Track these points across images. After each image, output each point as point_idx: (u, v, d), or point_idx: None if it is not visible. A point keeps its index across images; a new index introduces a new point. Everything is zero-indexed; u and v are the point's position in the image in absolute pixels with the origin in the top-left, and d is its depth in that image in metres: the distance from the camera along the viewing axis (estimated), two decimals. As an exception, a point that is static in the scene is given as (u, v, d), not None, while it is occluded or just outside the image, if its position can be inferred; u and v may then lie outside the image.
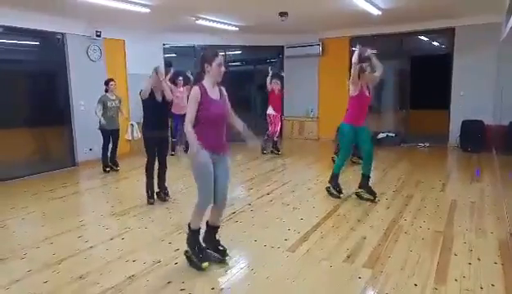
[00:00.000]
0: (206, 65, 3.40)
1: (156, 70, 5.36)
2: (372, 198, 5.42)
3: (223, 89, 3.59)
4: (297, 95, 11.42)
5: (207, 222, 3.70)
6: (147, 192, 5.71)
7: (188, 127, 3.31)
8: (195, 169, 3.44)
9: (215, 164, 3.47)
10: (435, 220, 4.65)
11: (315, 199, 5.72)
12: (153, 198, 5.70)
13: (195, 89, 3.36)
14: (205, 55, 3.47)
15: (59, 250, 4.04)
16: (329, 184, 5.78)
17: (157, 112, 5.52)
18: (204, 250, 3.64)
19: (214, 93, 3.45)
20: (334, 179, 5.73)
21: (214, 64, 3.38)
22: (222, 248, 3.69)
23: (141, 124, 6.00)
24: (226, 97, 3.59)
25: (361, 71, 5.22)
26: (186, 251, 3.65)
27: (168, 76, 8.43)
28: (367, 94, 5.37)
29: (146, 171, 5.68)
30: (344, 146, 5.66)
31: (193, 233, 3.61)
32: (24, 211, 5.48)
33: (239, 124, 3.65)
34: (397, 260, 3.60)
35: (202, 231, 3.69)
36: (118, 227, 4.72)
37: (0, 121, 7.31)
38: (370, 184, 5.54)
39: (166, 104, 5.63)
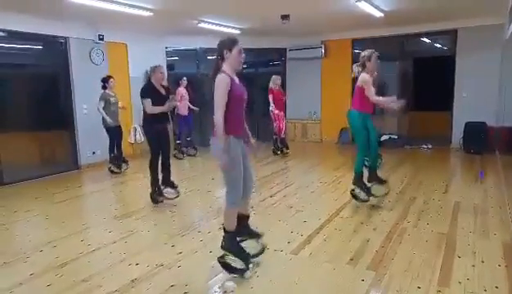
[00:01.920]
0: (225, 52, 3.23)
1: (154, 69, 5.50)
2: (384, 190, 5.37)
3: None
4: (299, 98, 11.42)
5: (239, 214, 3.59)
6: (154, 189, 5.64)
7: (219, 118, 3.12)
8: (228, 165, 3.22)
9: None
10: (438, 222, 4.63)
11: (318, 202, 5.71)
12: (162, 196, 5.66)
13: (224, 76, 3.16)
14: (225, 41, 3.30)
15: (62, 253, 4.04)
16: (353, 187, 5.41)
17: (160, 105, 5.50)
18: (245, 251, 3.51)
19: (238, 83, 3.33)
20: (357, 179, 5.37)
21: (235, 50, 3.23)
22: (256, 231, 3.65)
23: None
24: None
25: (368, 60, 5.08)
26: (222, 257, 3.45)
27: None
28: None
29: (151, 165, 5.60)
30: (359, 138, 5.22)
31: (231, 236, 3.46)
32: (28, 214, 5.50)
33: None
34: (401, 262, 3.59)
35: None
36: (121, 230, 4.72)
37: (3, 124, 7.34)
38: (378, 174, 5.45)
39: (168, 96, 5.64)
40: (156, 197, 5.65)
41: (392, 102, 5.16)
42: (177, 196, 5.73)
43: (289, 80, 11.70)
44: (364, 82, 5.01)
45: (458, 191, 6.01)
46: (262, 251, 3.65)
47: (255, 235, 3.69)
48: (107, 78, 7.64)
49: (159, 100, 5.47)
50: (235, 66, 3.30)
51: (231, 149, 3.23)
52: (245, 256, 3.48)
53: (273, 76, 9.26)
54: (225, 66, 3.27)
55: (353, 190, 5.40)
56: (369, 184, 5.39)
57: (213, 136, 3.25)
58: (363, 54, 5.16)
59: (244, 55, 3.32)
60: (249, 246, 3.60)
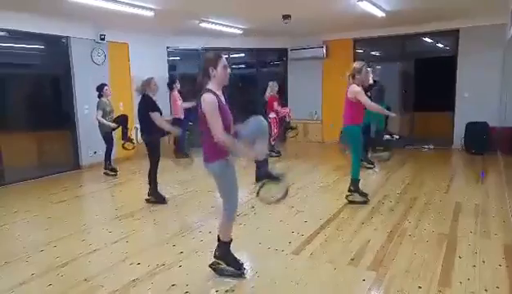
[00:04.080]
0: (211, 69, 3.16)
1: (149, 82, 5.64)
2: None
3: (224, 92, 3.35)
4: (301, 98, 11.41)
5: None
6: (160, 197, 5.77)
7: (222, 137, 3.04)
8: (226, 180, 3.29)
9: None
10: (439, 222, 4.63)
11: (319, 202, 5.71)
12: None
13: (211, 97, 3.08)
14: (208, 57, 3.24)
15: (63, 253, 4.05)
16: (349, 193, 5.55)
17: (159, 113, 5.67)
18: (238, 261, 3.49)
19: (223, 99, 3.23)
20: (355, 185, 5.54)
21: (219, 67, 3.16)
22: (276, 174, 3.49)
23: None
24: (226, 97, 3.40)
25: (358, 72, 5.28)
26: (213, 264, 3.50)
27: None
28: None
29: (153, 174, 5.72)
30: (358, 147, 5.53)
31: (226, 246, 3.46)
32: (28, 214, 5.51)
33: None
34: (402, 262, 3.59)
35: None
36: (121, 230, 4.73)
37: (5, 124, 7.35)
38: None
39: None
40: (164, 200, 5.79)
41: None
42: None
43: (291, 80, 11.70)
44: (356, 93, 5.19)
45: (459, 191, 6.00)
46: (286, 194, 3.47)
47: (275, 178, 3.46)
48: (101, 86, 7.63)
49: (158, 111, 5.65)
50: (222, 82, 3.24)
51: (224, 170, 3.23)
52: (239, 265, 3.47)
53: (270, 82, 9.20)
54: (210, 84, 3.19)
55: (348, 196, 5.54)
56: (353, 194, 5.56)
57: (206, 162, 3.26)
58: (354, 65, 5.40)
59: (229, 70, 3.25)
60: (272, 189, 3.48)
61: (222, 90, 3.32)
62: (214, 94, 3.13)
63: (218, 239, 3.49)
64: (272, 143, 9.43)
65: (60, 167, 8.20)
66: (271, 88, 9.11)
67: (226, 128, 3.16)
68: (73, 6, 6.49)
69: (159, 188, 5.83)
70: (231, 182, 3.33)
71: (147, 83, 5.63)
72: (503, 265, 3.48)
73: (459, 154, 9.07)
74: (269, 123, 9.11)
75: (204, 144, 3.28)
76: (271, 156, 9.33)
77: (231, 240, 3.50)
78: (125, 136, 7.84)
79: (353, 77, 5.28)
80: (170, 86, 8.74)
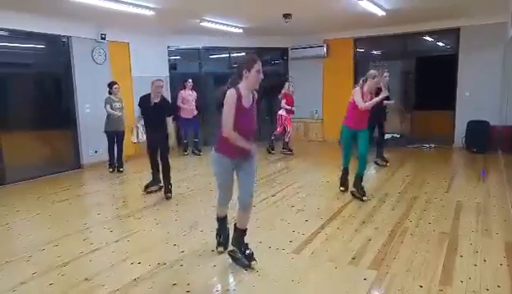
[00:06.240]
0: (245, 71, 3.29)
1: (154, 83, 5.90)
2: (360, 196, 5.57)
3: (255, 93, 3.47)
4: (301, 97, 11.36)
5: (235, 224, 3.69)
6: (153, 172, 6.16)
7: (230, 132, 3.25)
8: (215, 171, 3.57)
9: (240, 166, 3.50)
10: (440, 221, 4.63)
11: (319, 201, 5.71)
12: (158, 172, 6.14)
13: (232, 92, 3.25)
14: (245, 60, 3.38)
15: (64, 252, 4.05)
16: (353, 189, 5.74)
17: (149, 114, 5.91)
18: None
19: (247, 101, 3.35)
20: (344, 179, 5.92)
21: (253, 70, 3.27)
22: (249, 252, 3.60)
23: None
24: (255, 102, 3.50)
25: (371, 77, 5.38)
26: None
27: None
28: (369, 99, 5.43)
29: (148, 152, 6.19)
30: (343, 146, 5.90)
31: (219, 223, 3.92)
32: (29, 213, 5.51)
33: None
34: (403, 261, 3.59)
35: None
36: (123, 229, 4.74)
37: (6, 124, 7.34)
38: (362, 184, 5.67)
39: (159, 108, 5.88)
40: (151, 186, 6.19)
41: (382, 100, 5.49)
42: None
43: (291, 79, 11.68)
44: (353, 95, 5.40)
45: (460, 190, 5.99)
46: (245, 265, 3.59)
47: (245, 256, 3.60)
48: (111, 84, 7.72)
49: (146, 110, 5.93)
50: (252, 85, 3.35)
51: (216, 162, 3.51)
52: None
53: (287, 82, 9.68)
54: (241, 84, 3.32)
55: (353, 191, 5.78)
56: (353, 189, 5.72)
57: (214, 152, 3.51)
58: (369, 72, 5.49)
59: (262, 75, 3.35)
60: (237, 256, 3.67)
61: (253, 94, 3.43)
62: (238, 92, 3.27)
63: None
64: (272, 137, 9.58)
65: (61, 167, 8.20)
66: (287, 87, 9.53)
67: (241, 132, 3.30)
68: (73, 5, 6.49)
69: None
70: (220, 176, 3.56)
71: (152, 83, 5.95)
72: (504, 264, 3.48)
73: (460, 153, 9.07)
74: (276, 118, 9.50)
75: (216, 133, 3.51)
76: (286, 154, 9.40)
77: (226, 216, 3.91)
78: (118, 156, 7.98)
79: (365, 81, 5.43)
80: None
